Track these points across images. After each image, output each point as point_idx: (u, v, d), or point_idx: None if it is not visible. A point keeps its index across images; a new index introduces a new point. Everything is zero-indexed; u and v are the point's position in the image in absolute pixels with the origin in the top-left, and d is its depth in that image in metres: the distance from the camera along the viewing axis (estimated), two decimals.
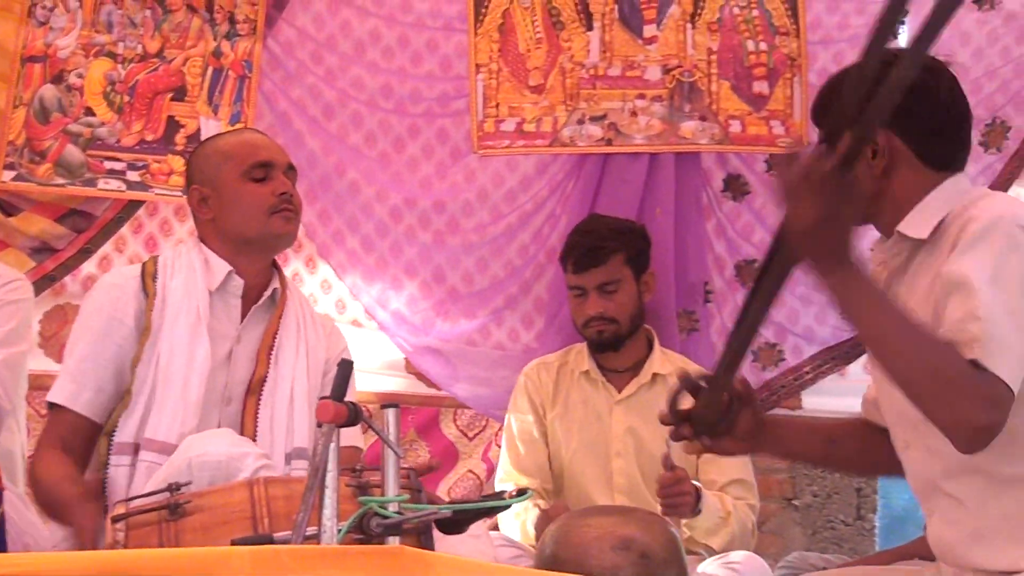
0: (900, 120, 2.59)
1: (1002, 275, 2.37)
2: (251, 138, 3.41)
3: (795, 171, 2.38)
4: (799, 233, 2.40)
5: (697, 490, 3.68)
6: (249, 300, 3.30)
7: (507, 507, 3.53)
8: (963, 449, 2.38)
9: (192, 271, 3.27)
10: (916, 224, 2.60)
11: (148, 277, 3.25)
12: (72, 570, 2.11)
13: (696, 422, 2.65)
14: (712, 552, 3.78)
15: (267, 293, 3.31)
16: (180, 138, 4.43)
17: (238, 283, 3.26)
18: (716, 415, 2.65)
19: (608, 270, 3.96)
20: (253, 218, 3.25)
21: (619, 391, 4.00)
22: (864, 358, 4.17)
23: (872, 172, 2.63)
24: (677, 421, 2.67)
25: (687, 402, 2.68)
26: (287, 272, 4.14)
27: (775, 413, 4.07)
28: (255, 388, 3.24)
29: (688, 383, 2.64)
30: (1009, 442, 2.43)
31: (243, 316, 3.29)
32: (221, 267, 3.25)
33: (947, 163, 2.67)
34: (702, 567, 3.69)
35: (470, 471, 4.59)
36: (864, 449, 2.83)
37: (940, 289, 2.47)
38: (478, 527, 3.06)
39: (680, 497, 3.66)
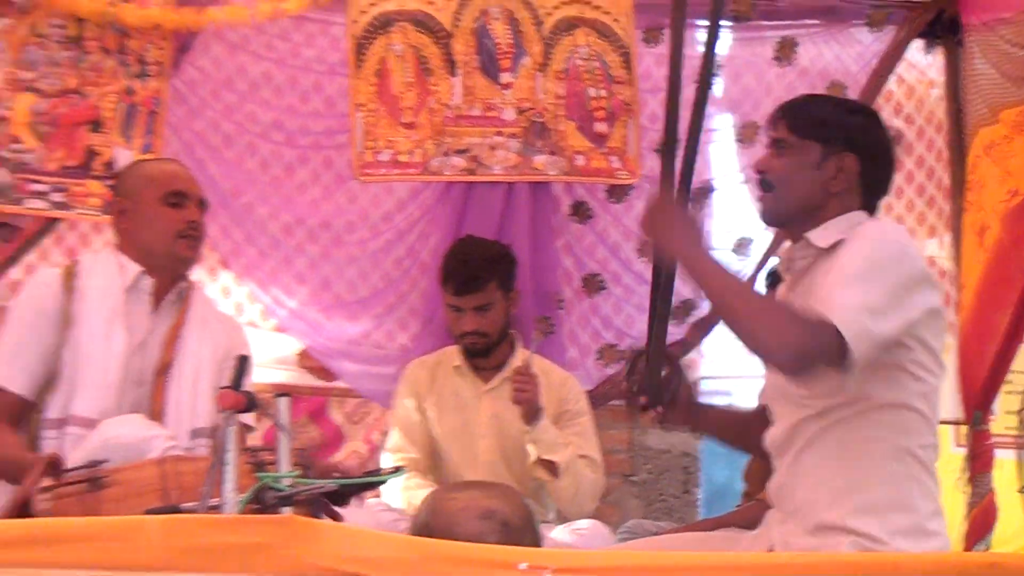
0: (868, 158, 2.95)
1: (869, 271, 2.69)
2: (173, 169, 3.70)
3: (648, 209, 2.86)
4: (660, 248, 2.89)
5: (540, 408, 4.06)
6: (159, 297, 3.57)
7: (383, 482, 3.74)
8: (788, 368, 2.73)
9: (108, 273, 3.54)
10: (822, 236, 2.86)
11: (69, 277, 3.52)
12: (5, 536, 2.28)
13: (648, 393, 2.95)
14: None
15: (174, 290, 3.58)
16: (98, 164, 4.60)
17: (148, 281, 3.54)
18: (660, 385, 2.96)
19: (484, 295, 4.26)
20: (162, 238, 3.55)
21: (485, 383, 4.35)
22: None
23: (828, 187, 2.90)
24: (635, 392, 2.97)
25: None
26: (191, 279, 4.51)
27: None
28: (162, 371, 3.50)
29: (633, 357, 3.03)
30: (857, 414, 2.75)
31: (154, 310, 3.56)
32: (133, 268, 3.53)
33: (874, 200, 2.99)
34: (553, 533, 3.96)
35: (355, 451, 4.98)
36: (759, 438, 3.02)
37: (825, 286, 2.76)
38: (365, 499, 3.53)
39: (527, 386, 4.05)
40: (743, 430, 3.22)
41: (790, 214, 2.97)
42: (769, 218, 3.08)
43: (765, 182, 3.00)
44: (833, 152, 2.90)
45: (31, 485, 2.91)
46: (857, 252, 2.74)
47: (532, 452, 4.13)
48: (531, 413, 4.07)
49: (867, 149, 2.94)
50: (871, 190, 2.98)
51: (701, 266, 2.82)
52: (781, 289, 3.07)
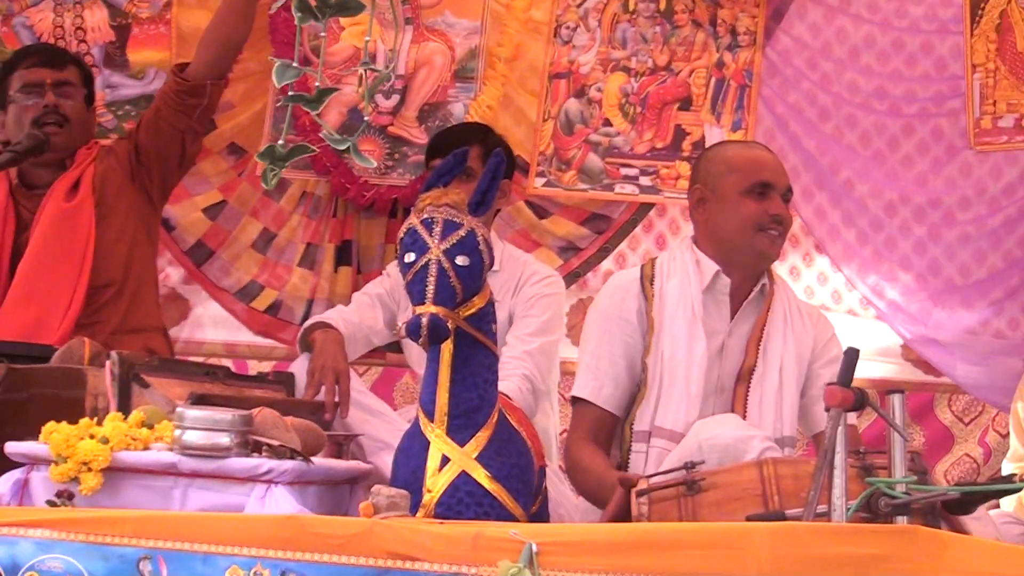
0: None
1: None
2: (759, 155, 3.59)
3: None
4: None
5: None
6: (738, 297, 3.51)
7: (1017, 491, 3.37)
8: None
9: (685, 273, 3.50)
10: None
11: (646, 280, 3.52)
12: (611, 540, 2.42)
13: None
14: None
15: (755, 289, 3.51)
16: (687, 145, 4.68)
17: (726, 282, 3.47)
18: None
19: None
20: (742, 231, 3.46)
21: None
22: None
23: None
24: None
25: None
26: (784, 266, 4.39)
27: None
28: (745, 377, 3.45)
29: None
30: None
31: (733, 312, 3.50)
32: (710, 268, 3.47)
33: None
34: None
35: (966, 455, 4.76)
36: None
37: None
38: (981, 510, 3.15)
39: None
40: None
41: None
42: None
43: None
44: None
45: (613, 509, 2.96)
46: None
47: None
48: None
49: None
50: None
51: None
52: None
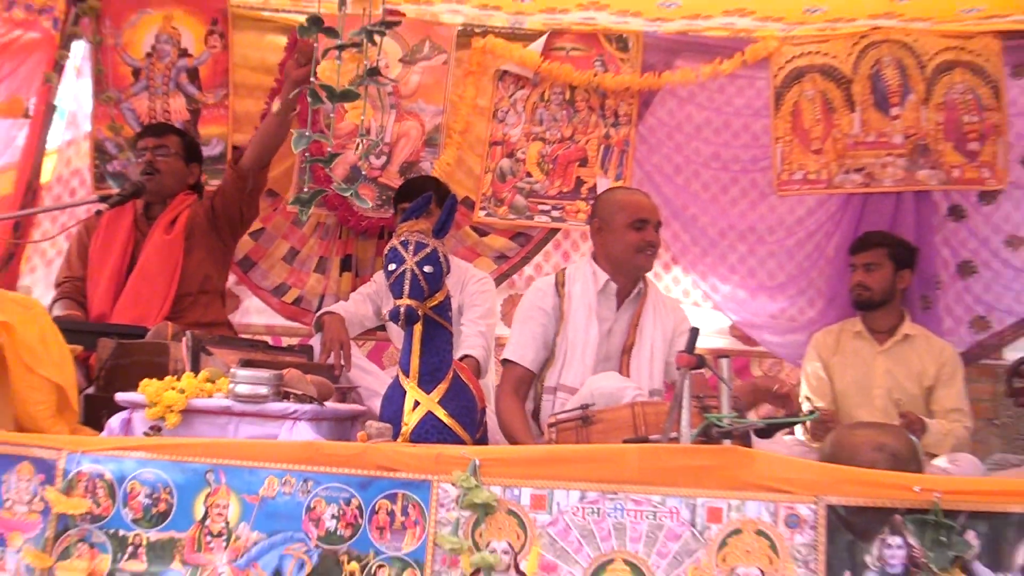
0: None
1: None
2: (640, 200, 3.51)
3: None
4: None
5: (923, 421, 3.72)
6: (621, 295, 3.48)
7: (801, 422, 3.49)
8: None
9: (585, 280, 3.47)
10: None
11: (559, 284, 3.49)
12: (530, 456, 2.44)
13: None
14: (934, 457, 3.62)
15: (635, 291, 3.48)
16: (584, 190, 4.64)
17: (613, 286, 3.45)
18: None
19: (871, 255, 4.08)
20: (627, 253, 3.43)
21: (880, 345, 4.05)
22: None
23: None
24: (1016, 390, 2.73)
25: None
26: (652, 272, 4.47)
27: None
28: (627, 350, 3.43)
29: (1017, 363, 2.77)
30: None
31: (618, 306, 3.47)
32: (602, 276, 3.45)
33: None
34: (935, 462, 3.57)
35: None
36: None
37: None
38: (779, 436, 3.32)
39: (909, 427, 3.60)
40: None
41: None
42: None
43: None
44: None
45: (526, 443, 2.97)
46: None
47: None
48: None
49: None
50: None
51: None
52: None
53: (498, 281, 4.59)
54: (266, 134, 3.89)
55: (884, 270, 4.07)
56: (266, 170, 4.04)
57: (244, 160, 3.93)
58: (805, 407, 3.93)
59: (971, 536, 2.18)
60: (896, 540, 2.19)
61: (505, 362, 3.46)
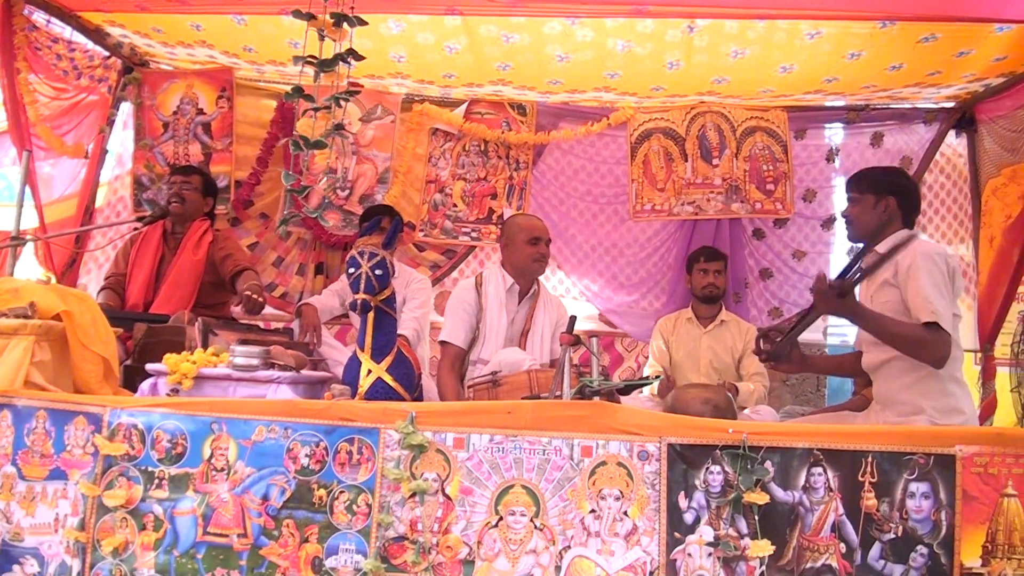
0: (901, 197, 2.72)
1: (934, 281, 2.51)
2: (534, 223, 3.51)
3: (818, 289, 2.51)
4: (824, 310, 2.57)
5: (735, 385, 3.73)
6: (522, 293, 3.45)
7: (649, 383, 3.54)
8: (937, 367, 2.50)
9: (497, 282, 3.44)
10: (883, 246, 2.66)
11: (478, 285, 3.44)
12: (452, 409, 2.40)
13: (771, 354, 2.78)
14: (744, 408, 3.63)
15: (531, 290, 3.46)
16: (495, 217, 4.60)
17: (516, 287, 3.43)
18: (783, 353, 2.77)
19: (718, 264, 4.05)
20: (526, 262, 3.42)
21: (705, 328, 4.03)
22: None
23: (878, 217, 2.71)
24: (761, 350, 2.77)
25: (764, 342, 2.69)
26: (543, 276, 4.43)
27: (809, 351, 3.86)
28: (525, 334, 3.40)
29: (764, 333, 2.79)
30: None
31: (520, 301, 3.44)
32: (509, 279, 3.43)
33: (909, 223, 2.76)
34: (744, 412, 3.55)
35: (629, 366, 4.67)
36: (854, 367, 2.84)
37: (902, 286, 2.55)
38: (635, 393, 3.35)
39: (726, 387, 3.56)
40: (838, 365, 3.02)
41: (862, 238, 2.77)
42: (852, 240, 2.87)
43: (847, 220, 2.82)
44: (881, 198, 2.71)
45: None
46: (924, 270, 2.50)
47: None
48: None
49: (900, 193, 2.73)
50: (908, 215, 2.76)
51: (864, 319, 2.57)
52: (863, 286, 2.72)
53: (434, 283, 4.54)
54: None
55: (724, 275, 4.10)
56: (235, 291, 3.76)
57: (237, 284, 3.67)
58: (651, 372, 4.03)
59: (768, 465, 2.19)
60: (716, 468, 2.21)
61: (443, 343, 3.39)
